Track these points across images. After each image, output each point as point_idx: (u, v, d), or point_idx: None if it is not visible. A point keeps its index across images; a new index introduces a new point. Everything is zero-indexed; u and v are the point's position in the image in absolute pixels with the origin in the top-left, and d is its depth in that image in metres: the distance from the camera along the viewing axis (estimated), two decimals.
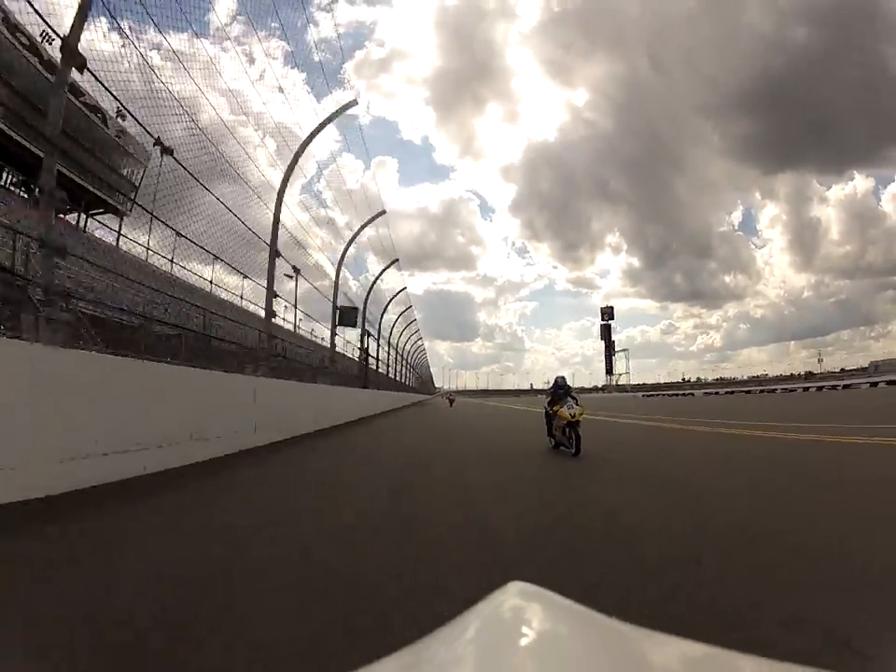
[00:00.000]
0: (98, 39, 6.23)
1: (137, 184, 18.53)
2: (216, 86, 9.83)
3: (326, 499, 4.58)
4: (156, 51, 8.26)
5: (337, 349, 19.59)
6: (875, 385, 54.67)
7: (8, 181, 18.18)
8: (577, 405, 7.75)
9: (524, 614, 0.56)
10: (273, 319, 11.21)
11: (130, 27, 7.38)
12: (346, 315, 19.66)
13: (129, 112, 7.86)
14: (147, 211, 10.02)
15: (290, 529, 3.44)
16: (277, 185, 11.21)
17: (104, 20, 6.55)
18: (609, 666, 0.40)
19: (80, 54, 5.03)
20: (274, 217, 10.96)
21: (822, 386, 64.21)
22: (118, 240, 18.48)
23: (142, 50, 7.68)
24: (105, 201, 20.12)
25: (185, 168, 8.46)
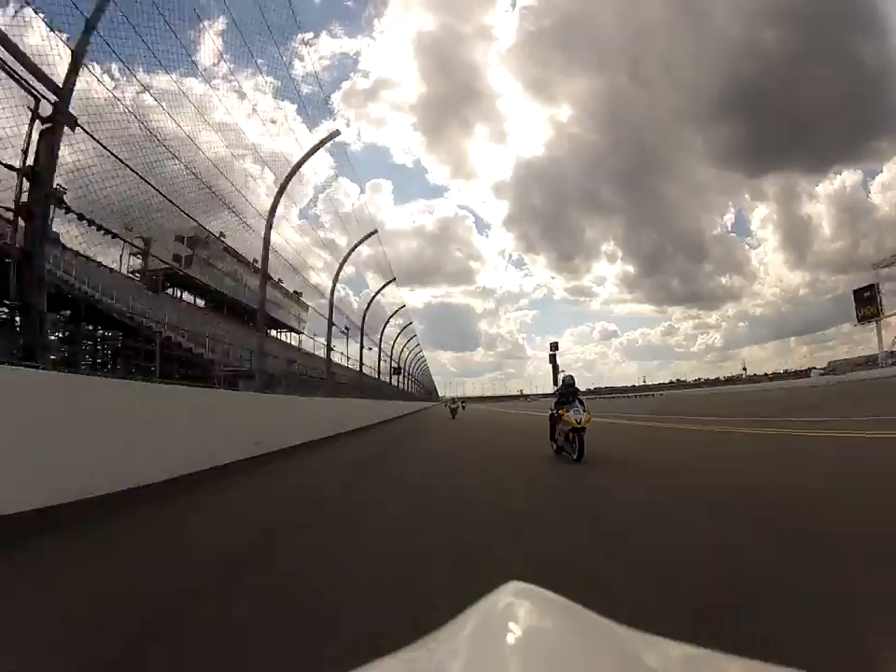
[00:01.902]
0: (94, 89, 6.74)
1: (304, 315, 34.47)
2: (219, 124, 10.37)
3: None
4: (147, 94, 8.70)
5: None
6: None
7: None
8: (584, 410, 7.47)
9: (522, 614, 0.56)
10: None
11: (120, 71, 7.83)
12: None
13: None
14: (299, 332, 31.74)
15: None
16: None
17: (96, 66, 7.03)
18: (605, 667, 0.40)
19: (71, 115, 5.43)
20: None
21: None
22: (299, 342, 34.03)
23: (138, 94, 8.16)
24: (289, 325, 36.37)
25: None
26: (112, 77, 8.01)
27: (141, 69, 8.07)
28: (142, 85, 8.35)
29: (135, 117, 7.76)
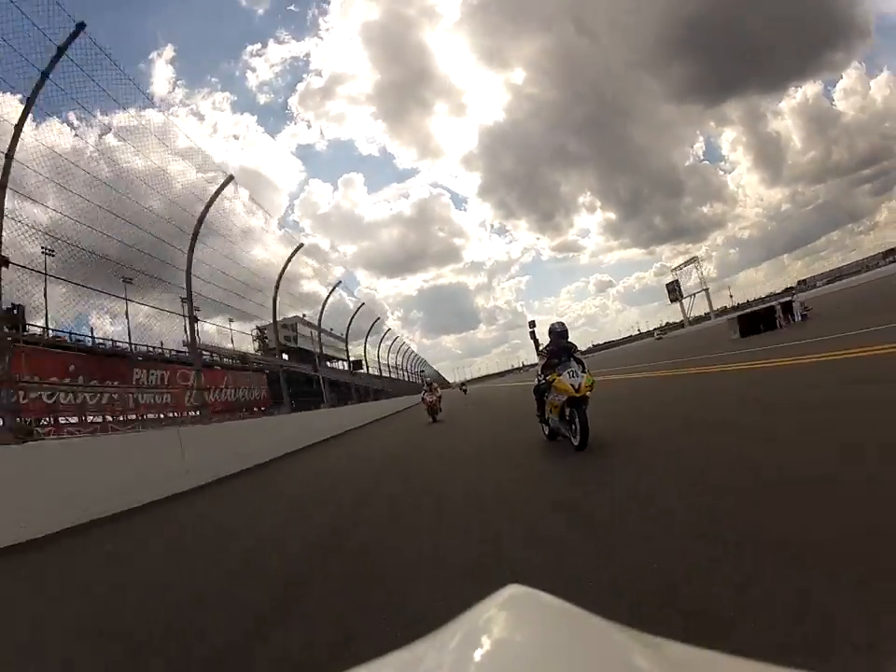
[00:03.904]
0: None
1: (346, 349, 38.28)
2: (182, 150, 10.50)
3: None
4: (111, 135, 8.83)
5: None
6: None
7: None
8: (583, 372, 5.35)
9: (521, 617, 0.55)
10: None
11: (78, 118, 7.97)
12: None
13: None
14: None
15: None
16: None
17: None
18: (606, 669, 0.40)
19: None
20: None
21: None
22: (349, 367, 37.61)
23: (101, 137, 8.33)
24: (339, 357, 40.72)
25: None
26: (71, 126, 8.14)
27: (98, 111, 8.20)
28: (101, 128, 8.50)
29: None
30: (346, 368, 34.79)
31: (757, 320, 20.77)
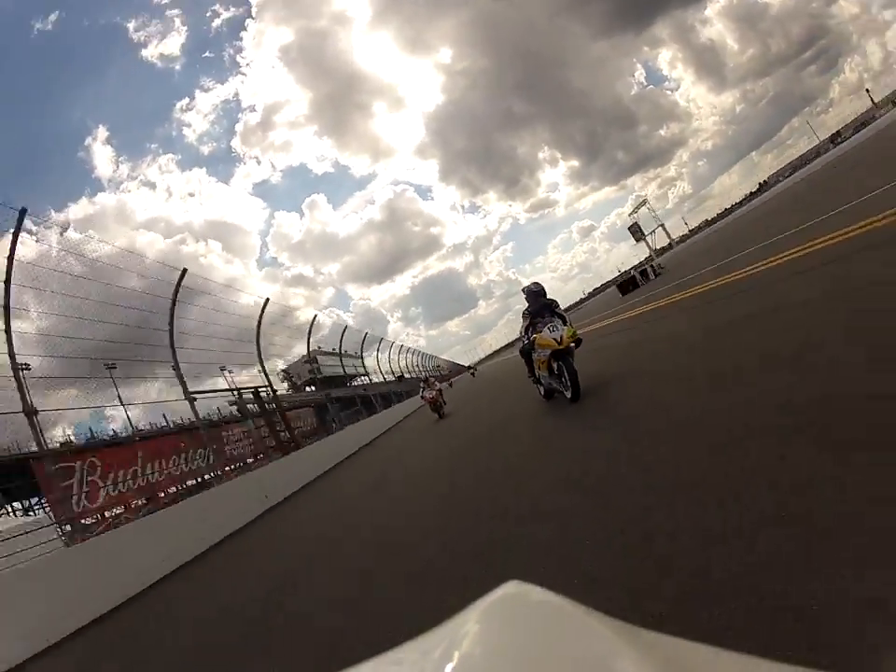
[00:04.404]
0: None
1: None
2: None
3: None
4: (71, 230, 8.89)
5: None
6: None
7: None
8: (563, 325, 5.49)
9: (521, 613, 0.55)
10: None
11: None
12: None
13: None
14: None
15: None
16: None
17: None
18: (606, 667, 0.40)
19: None
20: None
21: None
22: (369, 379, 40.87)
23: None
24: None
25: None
26: (30, 233, 8.19)
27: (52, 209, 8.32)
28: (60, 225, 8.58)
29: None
30: (369, 382, 37.96)
31: (627, 284, 29.68)
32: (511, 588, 0.58)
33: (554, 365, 5.47)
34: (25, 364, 8.21)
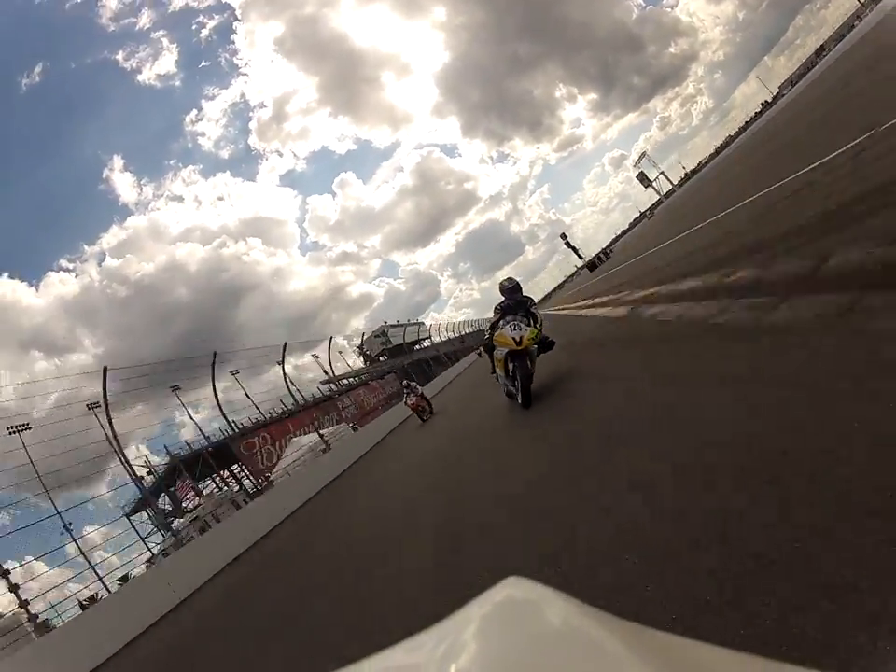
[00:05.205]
0: None
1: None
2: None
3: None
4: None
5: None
6: None
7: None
8: (528, 325, 5.34)
9: (521, 609, 0.54)
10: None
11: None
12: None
13: None
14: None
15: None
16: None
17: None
18: (606, 664, 0.39)
19: None
20: None
21: None
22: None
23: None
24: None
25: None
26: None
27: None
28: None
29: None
30: (432, 343, 46.47)
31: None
32: (511, 585, 0.57)
33: (510, 366, 5.20)
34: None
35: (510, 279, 5.95)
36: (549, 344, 5.59)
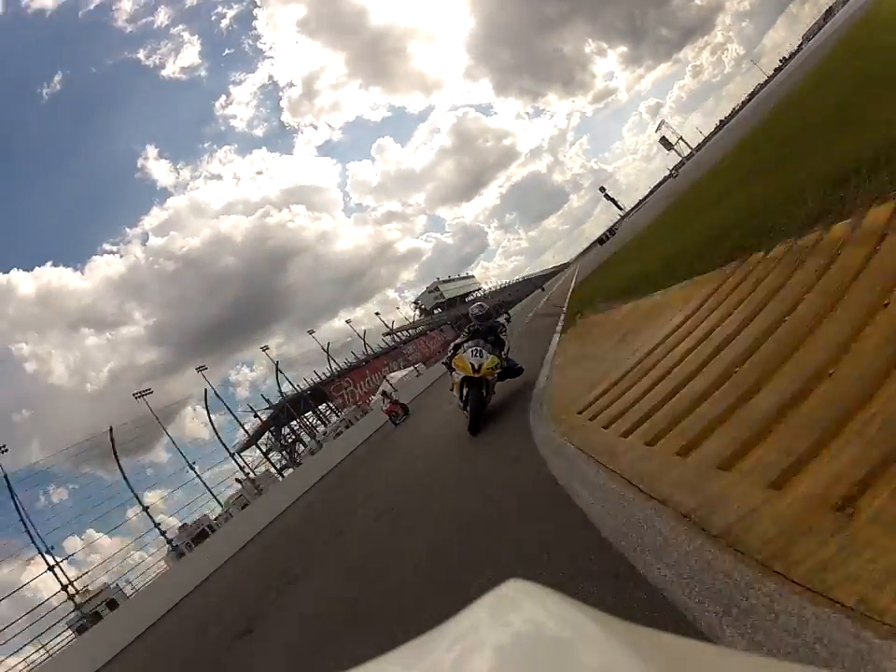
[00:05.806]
0: None
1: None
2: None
3: None
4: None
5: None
6: None
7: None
8: (491, 352, 5.30)
9: (522, 611, 0.54)
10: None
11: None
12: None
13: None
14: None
15: None
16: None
17: None
18: (606, 665, 0.39)
19: None
20: None
21: None
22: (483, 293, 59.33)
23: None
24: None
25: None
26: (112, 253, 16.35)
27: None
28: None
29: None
30: (484, 295, 50.86)
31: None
32: (511, 586, 0.57)
33: (464, 391, 5.20)
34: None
35: (480, 305, 6.08)
36: (516, 371, 5.71)
